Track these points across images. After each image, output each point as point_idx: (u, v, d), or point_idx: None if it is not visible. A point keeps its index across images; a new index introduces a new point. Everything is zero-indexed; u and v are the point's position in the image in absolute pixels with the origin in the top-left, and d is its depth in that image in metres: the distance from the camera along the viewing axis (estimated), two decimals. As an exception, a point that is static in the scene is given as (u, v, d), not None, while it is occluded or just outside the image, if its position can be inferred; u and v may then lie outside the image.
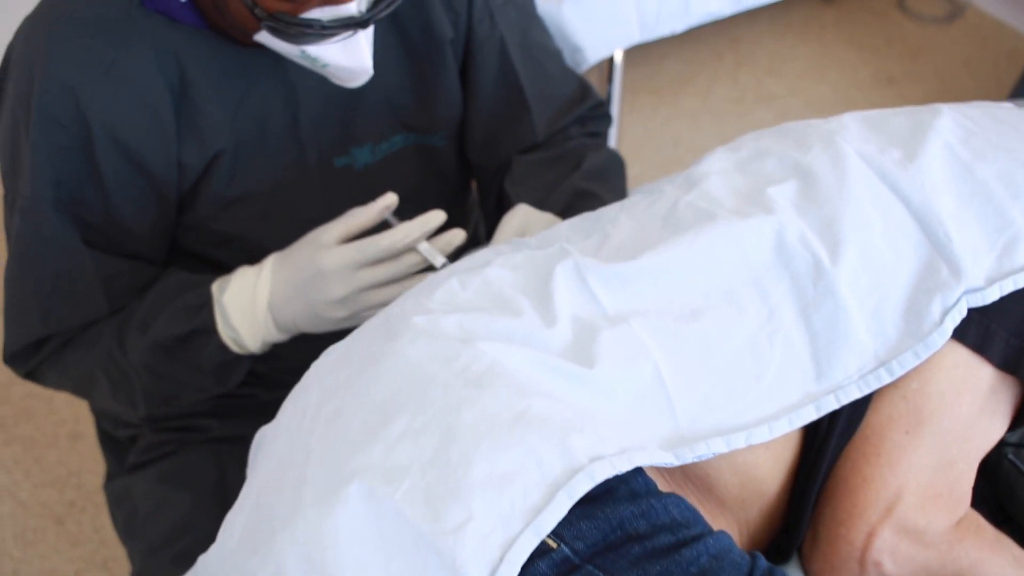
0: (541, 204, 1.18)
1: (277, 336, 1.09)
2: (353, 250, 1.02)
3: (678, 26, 1.60)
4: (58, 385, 1.21)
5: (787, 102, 2.72)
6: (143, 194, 1.10)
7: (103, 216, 1.10)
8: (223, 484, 1.30)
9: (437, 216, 1.03)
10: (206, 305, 1.09)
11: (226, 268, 1.21)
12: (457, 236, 1.04)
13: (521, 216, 1.06)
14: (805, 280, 0.82)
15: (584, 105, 1.30)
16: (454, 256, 1.04)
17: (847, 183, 0.85)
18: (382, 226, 1.07)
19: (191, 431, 1.32)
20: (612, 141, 1.90)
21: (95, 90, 1.04)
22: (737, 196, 0.87)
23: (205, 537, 1.26)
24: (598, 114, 1.33)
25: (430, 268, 1.04)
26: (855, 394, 0.81)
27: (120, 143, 1.07)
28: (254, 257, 1.21)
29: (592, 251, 0.86)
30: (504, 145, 1.27)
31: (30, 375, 1.19)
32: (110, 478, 1.38)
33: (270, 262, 1.07)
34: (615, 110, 1.87)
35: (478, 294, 0.81)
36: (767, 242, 0.83)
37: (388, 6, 1.00)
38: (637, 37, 1.58)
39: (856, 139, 0.89)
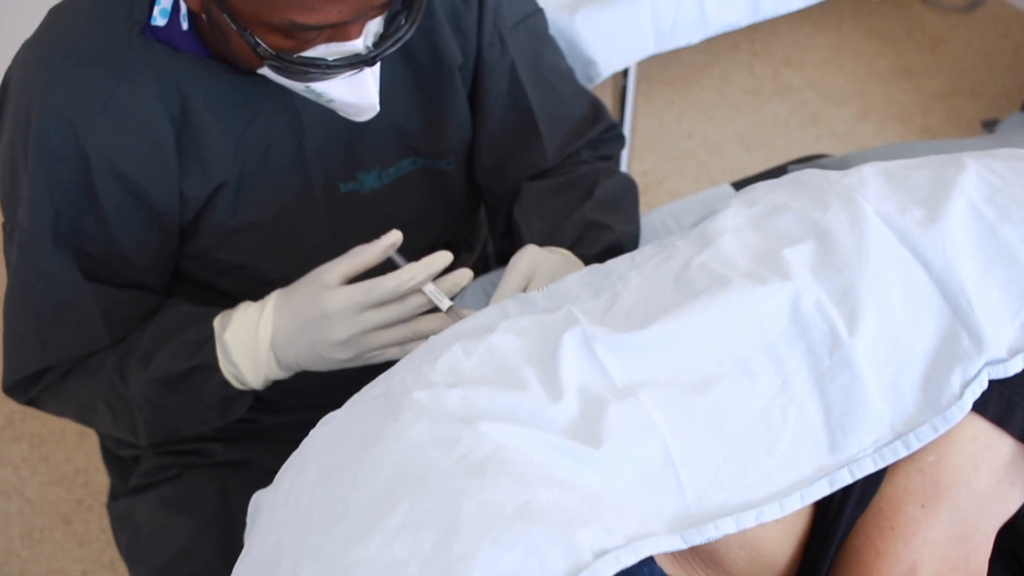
0: (550, 236, 1.16)
1: (279, 374, 1.07)
2: (357, 292, 1.00)
3: (694, 36, 1.56)
4: (59, 412, 1.20)
5: (804, 95, 2.68)
6: (144, 225, 1.08)
7: (104, 247, 1.08)
8: (225, 510, 1.28)
9: (443, 257, 1.01)
10: (208, 341, 1.07)
11: (230, 296, 1.19)
12: (464, 277, 1.02)
13: (529, 258, 1.04)
14: (821, 350, 0.80)
15: (596, 128, 1.27)
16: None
17: (866, 245, 0.83)
18: (387, 262, 1.04)
19: (194, 455, 1.31)
20: (626, 132, 1.86)
21: (94, 123, 1.02)
22: (752, 257, 0.84)
23: (207, 565, 1.27)
24: (610, 136, 1.30)
25: (436, 308, 1.01)
26: (870, 468, 0.78)
27: (120, 175, 1.04)
28: (258, 285, 1.19)
29: (600, 314, 0.84)
30: (513, 170, 1.25)
31: (30, 403, 1.18)
32: (114, 497, 1.37)
33: (273, 300, 1.05)
34: (629, 102, 1.83)
35: (482, 363, 0.78)
36: (782, 309, 0.81)
37: (395, 43, 0.97)
38: (652, 48, 1.54)
39: (875, 196, 0.86)
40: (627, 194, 1.24)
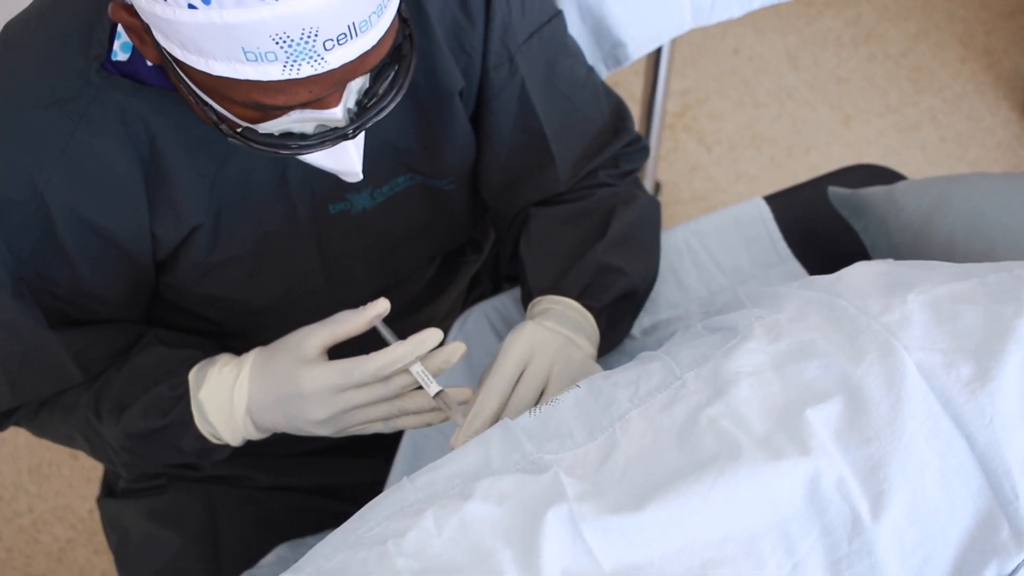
0: (558, 282, 1.06)
1: (258, 436, 1.00)
2: (335, 374, 0.91)
3: (736, 11, 1.40)
4: (37, 435, 1.14)
5: (860, 8, 2.48)
6: (114, 264, 1.00)
7: (72, 288, 0.99)
8: (212, 527, 1.24)
9: (432, 336, 0.91)
10: (183, 398, 1.00)
11: (214, 322, 1.11)
12: (455, 354, 0.93)
13: (526, 340, 0.94)
14: (839, 534, 0.71)
15: (617, 142, 1.15)
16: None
17: (902, 413, 0.72)
18: (372, 333, 0.95)
19: (181, 467, 1.25)
20: (655, 113, 1.72)
21: (52, 170, 0.92)
22: (770, 416, 0.74)
23: (194, 582, 1.23)
24: (632, 150, 1.17)
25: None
26: None
27: (84, 220, 0.95)
28: (244, 314, 1.11)
29: (593, 467, 0.75)
30: (523, 193, 1.14)
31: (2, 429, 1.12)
32: (104, 494, 1.33)
33: (249, 364, 0.97)
34: (660, 85, 1.68)
35: (455, 541, 0.70)
36: (799, 488, 0.71)
37: (380, 112, 0.85)
38: (688, 25, 1.39)
39: (919, 343, 0.75)
40: (646, 225, 1.13)
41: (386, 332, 0.95)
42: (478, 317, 1.19)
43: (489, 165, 1.12)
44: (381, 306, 0.94)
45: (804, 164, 2.30)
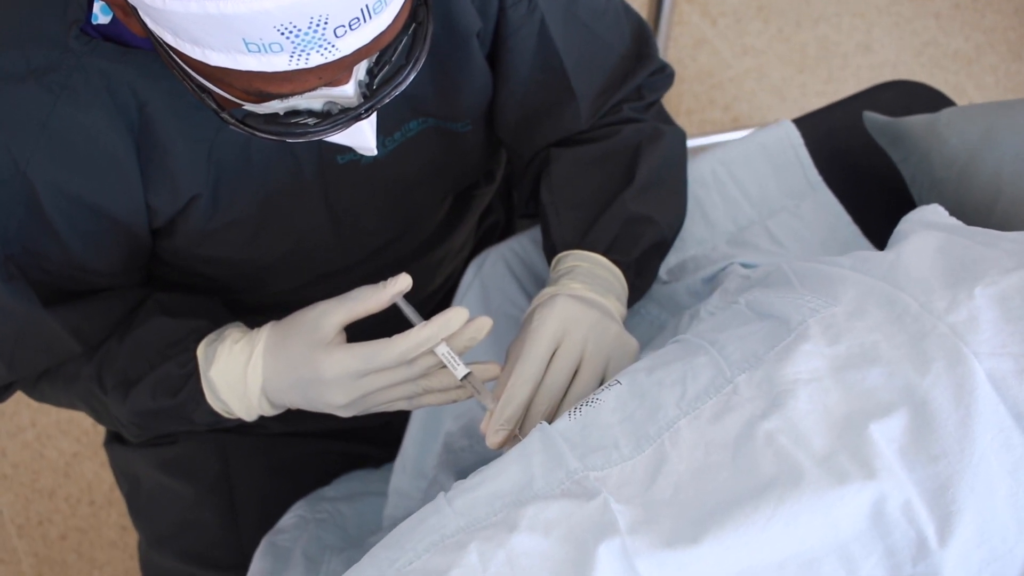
0: (584, 235, 0.99)
1: (273, 412, 0.95)
2: (358, 360, 0.86)
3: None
4: (36, 400, 1.10)
5: None
6: (107, 237, 0.93)
7: (63, 263, 0.93)
8: (226, 477, 1.21)
9: (458, 316, 0.86)
10: (192, 377, 0.95)
11: (220, 282, 1.05)
12: (481, 330, 0.87)
13: (558, 319, 0.88)
14: (903, 556, 0.67)
15: (641, 71, 1.07)
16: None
17: (972, 430, 0.67)
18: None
19: (192, 418, 1.21)
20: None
21: (33, 147, 0.85)
22: (831, 430, 0.69)
23: (210, 535, 1.21)
24: (656, 79, 1.09)
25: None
26: None
27: (72, 197, 0.88)
28: (248, 272, 1.05)
29: (642, 486, 0.70)
30: (542, 132, 1.06)
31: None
32: (111, 439, 1.29)
33: (262, 345, 0.92)
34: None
35: None
36: (863, 511, 0.67)
37: (395, 88, 0.77)
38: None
39: (989, 347, 0.70)
40: (673, 164, 1.06)
41: (408, 310, 0.89)
42: (495, 261, 1.13)
43: (506, 104, 1.04)
44: (402, 283, 0.88)
45: (814, 36, 2.20)
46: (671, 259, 1.13)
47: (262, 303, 1.13)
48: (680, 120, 2.12)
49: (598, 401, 0.77)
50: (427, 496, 1.06)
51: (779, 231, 1.12)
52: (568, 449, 0.74)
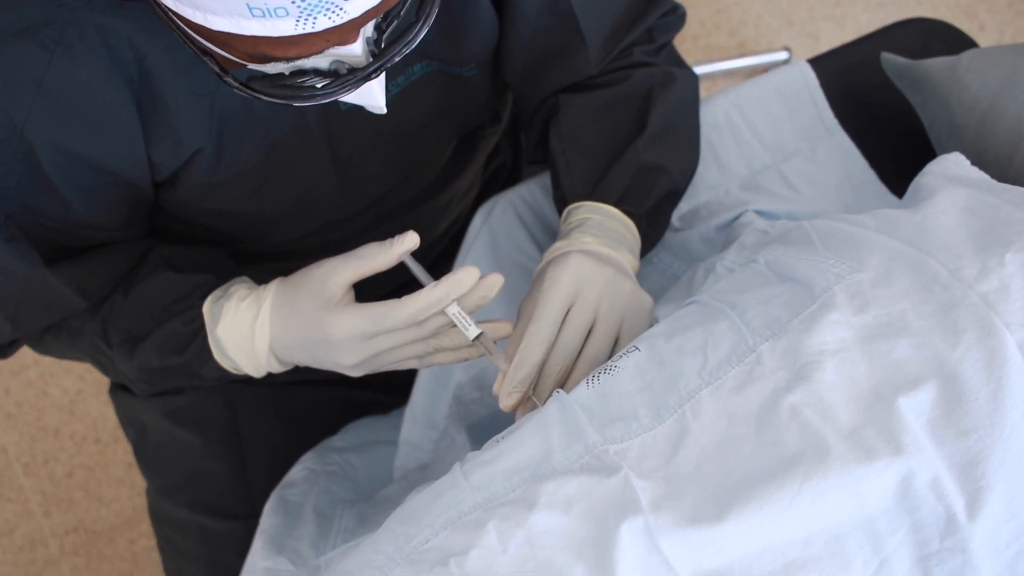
0: (595, 186, 0.97)
1: (282, 369, 0.94)
2: (366, 322, 0.84)
3: None
4: (40, 354, 1.09)
5: None
6: (108, 190, 0.91)
7: (64, 219, 0.91)
8: (233, 426, 1.21)
9: (469, 276, 0.84)
10: (198, 334, 0.93)
11: (222, 233, 1.03)
12: (492, 288, 0.85)
13: (572, 276, 0.86)
14: (931, 531, 0.66)
15: (651, 13, 1.03)
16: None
17: (1003, 404, 0.66)
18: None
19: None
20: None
21: (30, 106, 0.82)
22: (857, 403, 0.67)
23: (220, 484, 1.21)
24: (667, 20, 1.06)
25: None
26: None
27: (72, 154, 0.86)
28: (253, 223, 1.03)
29: (663, 458, 0.69)
30: (550, 78, 1.03)
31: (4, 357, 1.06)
32: (115, 388, 1.28)
33: (268, 304, 0.90)
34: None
35: (521, 559, 0.65)
36: (890, 487, 0.66)
37: (406, 46, 0.74)
38: None
39: (1021, 317, 0.68)
40: (686, 109, 1.03)
41: (417, 269, 0.87)
42: (504, 208, 1.11)
43: (513, 48, 1.01)
44: (410, 240, 0.86)
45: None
46: (683, 205, 1.11)
47: (265, 251, 1.11)
48: (685, 45, 2.07)
49: (616, 369, 0.76)
50: (437, 448, 1.06)
51: (793, 175, 1.10)
52: (586, 420, 0.72)
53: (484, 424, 1.03)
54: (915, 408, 0.67)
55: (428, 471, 1.04)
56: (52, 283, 0.93)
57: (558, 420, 0.73)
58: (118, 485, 1.80)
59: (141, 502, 1.77)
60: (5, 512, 1.76)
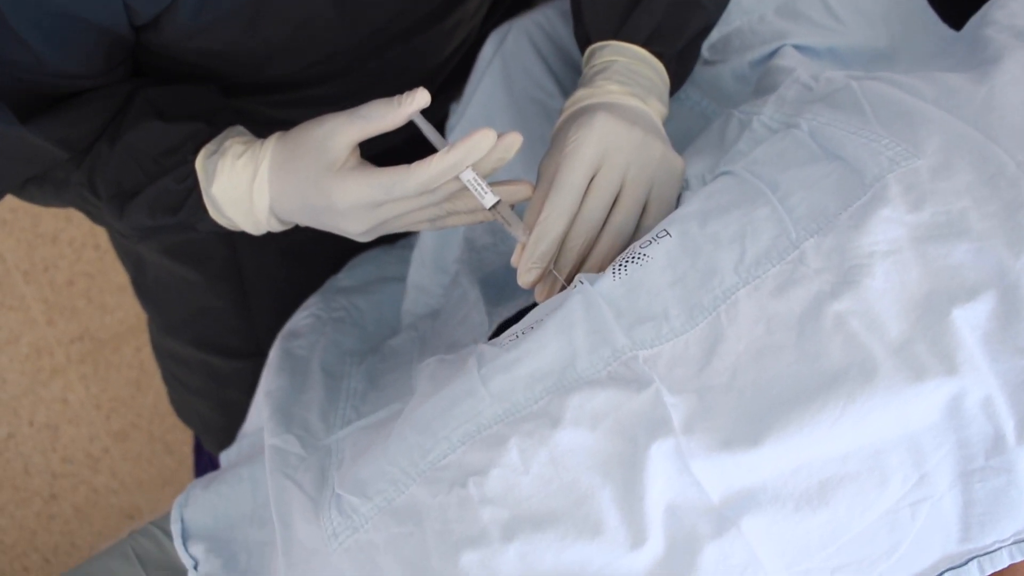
0: (622, 23, 0.88)
1: (283, 229, 0.89)
2: (374, 190, 0.78)
3: None
4: (25, 201, 1.02)
5: None
6: (81, 37, 0.82)
7: (38, 71, 0.83)
8: (234, 262, 1.16)
9: (486, 139, 0.76)
10: (192, 192, 0.87)
11: (212, 71, 0.95)
12: (511, 148, 0.78)
13: (597, 142, 0.78)
14: (976, 449, 0.62)
15: None
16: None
17: None
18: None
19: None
20: None
21: None
22: (908, 315, 0.61)
23: (223, 322, 1.18)
24: None
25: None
26: (1005, 561, 0.65)
27: (34, 1, 0.77)
28: (247, 64, 0.94)
29: (697, 365, 0.64)
30: None
31: None
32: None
33: (267, 164, 0.83)
34: None
35: (545, 480, 0.61)
36: (938, 406, 0.61)
37: None
38: None
39: None
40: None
41: (428, 130, 0.80)
42: (518, 36, 1.01)
43: None
44: (420, 99, 0.78)
45: None
46: (713, 33, 1.01)
47: (259, 84, 1.03)
48: None
49: (645, 257, 0.69)
50: (449, 295, 1.01)
51: (836, 2, 0.99)
52: (613, 318, 0.67)
53: (498, 278, 0.97)
54: (970, 321, 0.61)
55: (439, 320, 1.00)
56: (30, 141, 0.86)
57: (583, 317, 0.68)
58: (120, 292, 1.77)
59: (145, 311, 1.75)
60: (9, 320, 1.73)
